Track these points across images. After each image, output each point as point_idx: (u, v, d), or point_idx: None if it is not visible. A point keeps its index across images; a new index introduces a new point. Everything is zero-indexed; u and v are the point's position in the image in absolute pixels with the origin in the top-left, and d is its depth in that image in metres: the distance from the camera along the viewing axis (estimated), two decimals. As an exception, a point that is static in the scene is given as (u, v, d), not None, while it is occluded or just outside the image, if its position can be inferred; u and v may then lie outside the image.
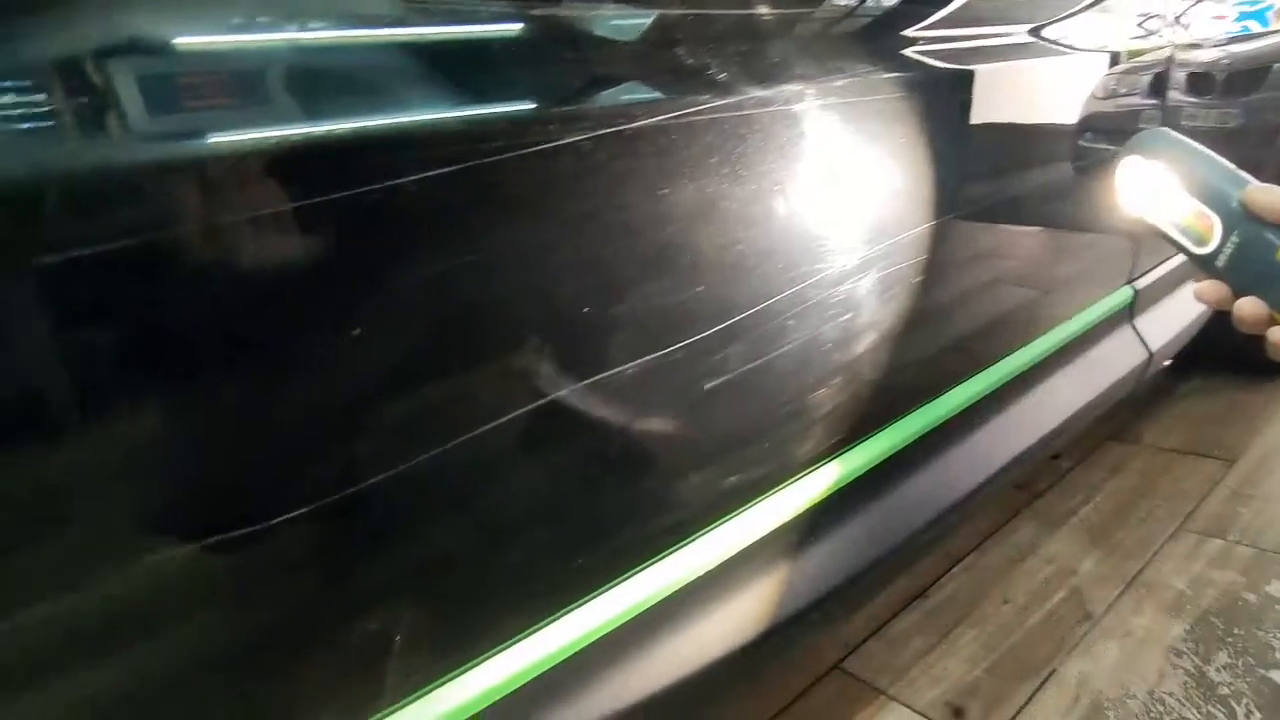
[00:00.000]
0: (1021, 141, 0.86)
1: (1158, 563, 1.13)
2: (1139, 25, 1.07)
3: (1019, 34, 0.84)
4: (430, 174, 0.41)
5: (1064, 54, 0.90)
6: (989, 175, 0.81)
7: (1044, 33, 0.87)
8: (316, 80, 0.39)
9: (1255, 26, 1.32)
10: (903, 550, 0.76)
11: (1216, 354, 1.48)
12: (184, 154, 0.35)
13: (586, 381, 0.50)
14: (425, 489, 0.44)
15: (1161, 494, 1.31)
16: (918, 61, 0.70)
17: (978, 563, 1.18)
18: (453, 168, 0.41)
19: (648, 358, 0.53)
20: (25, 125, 0.31)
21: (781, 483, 0.64)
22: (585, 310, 0.49)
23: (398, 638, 0.44)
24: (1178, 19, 1.14)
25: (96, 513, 0.35)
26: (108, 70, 0.33)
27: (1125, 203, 0.46)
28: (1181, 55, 1.12)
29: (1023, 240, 0.91)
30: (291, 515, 0.39)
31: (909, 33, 0.70)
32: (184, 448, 0.37)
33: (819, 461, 0.67)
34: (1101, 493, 1.33)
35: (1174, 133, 0.45)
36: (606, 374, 0.51)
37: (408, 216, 0.41)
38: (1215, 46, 1.25)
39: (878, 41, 0.68)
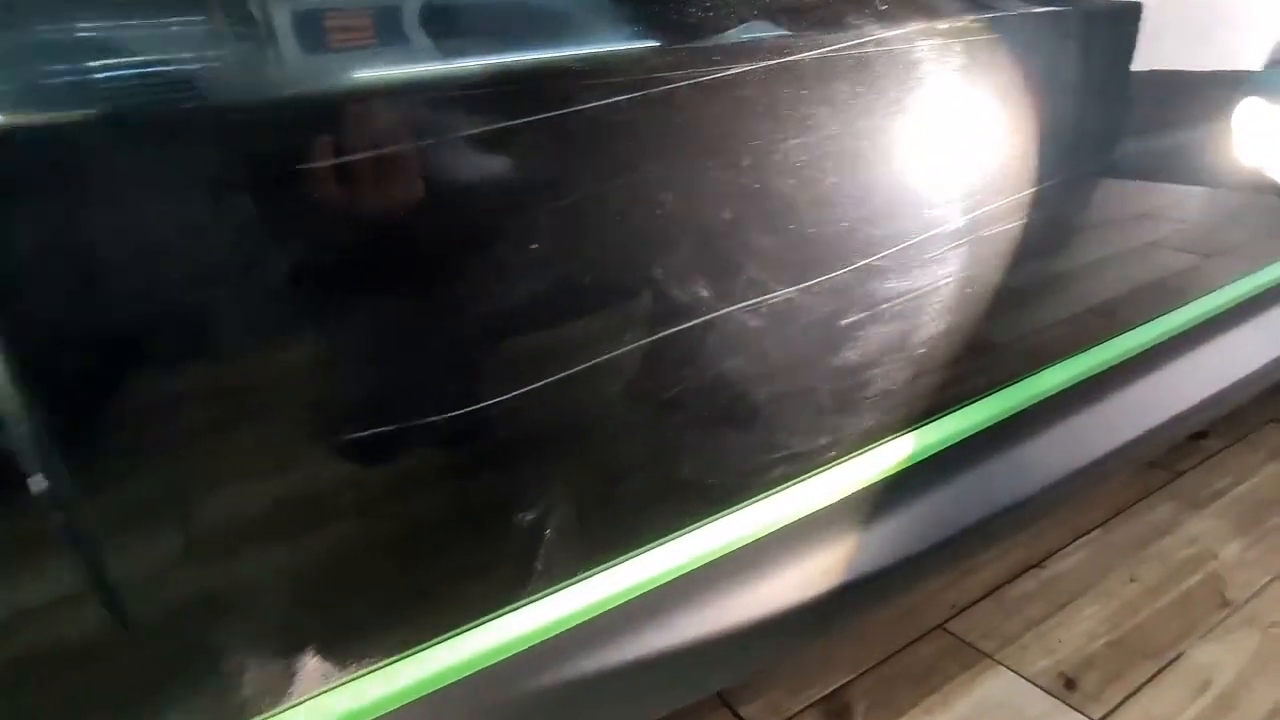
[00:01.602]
0: (1199, 83, 0.78)
1: (1317, 555, 1.04)
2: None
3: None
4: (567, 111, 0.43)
5: None
6: (1150, 125, 0.74)
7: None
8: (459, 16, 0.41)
9: None
10: (1020, 510, 0.74)
11: None
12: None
13: (689, 322, 0.51)
14: (524, 420, 0.47)
15: (1328, 482, 1.18)
16: None
17: (1104, 538, 1.12)
18: (587, 105, 0.43)
19: (759, 298, 0.53)
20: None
21: (895, 433, 0.64)
22: (700, 250, 0.51)
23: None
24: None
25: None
26: None
27: (1244, 152, 0.42)
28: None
29: (1186, 200, 0.83)
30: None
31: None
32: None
33: (939, 414, 0.67)
34: (1257, 476, 1.22)
35: None
36: (718, 313, 0.52)
37: (561, 146, 0.44)
38: None
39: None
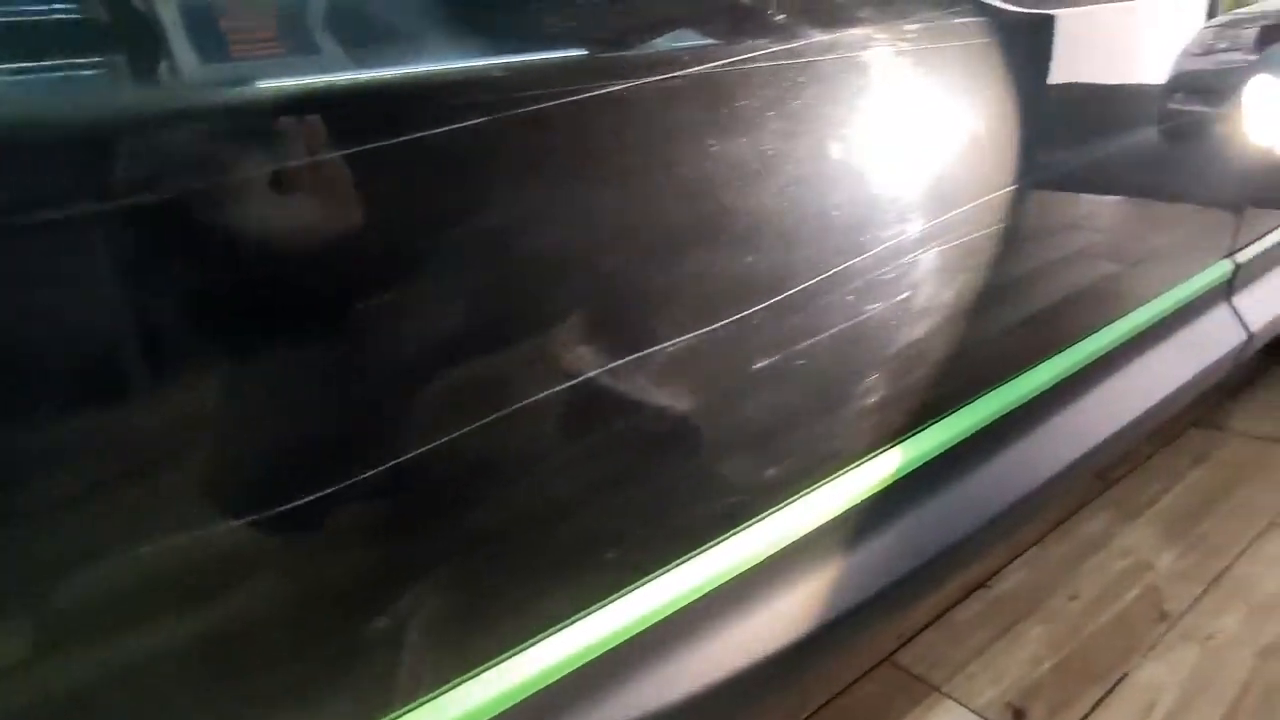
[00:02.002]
0: (1107, 99, 0.77)
1: (1245, 562, 1.05)
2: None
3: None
4: (455, 127, 0.37)
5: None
6: (1069, 137, 0.73)
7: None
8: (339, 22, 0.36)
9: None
10: (971, 542, 0.71)
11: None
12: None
13: (621, 361, 0.46)
14: (454, 470, 0.42)
15: (1252, 486, 1.21)
16: (991, 5, 0.63)
17: (1044, 554, 1.11)
18: (477, 120, 0.38)
19: (687, 336, 0.49)
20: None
21: (839, 470, 0.60)
22: (619, 282, 0.46)
23: (421, 628, 0.43)
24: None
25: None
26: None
27: (1254, 129, 0.39)
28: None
29: (1107, 211, 0.83)
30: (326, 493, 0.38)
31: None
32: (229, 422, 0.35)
33: (881, 447, 0.63)
34: (1184, 482, 1.24)
35: None
36: (644, 352, 0.47)
37: (429, 174, 0.38)
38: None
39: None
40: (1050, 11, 0.69)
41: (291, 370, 0.37)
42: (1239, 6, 0.96)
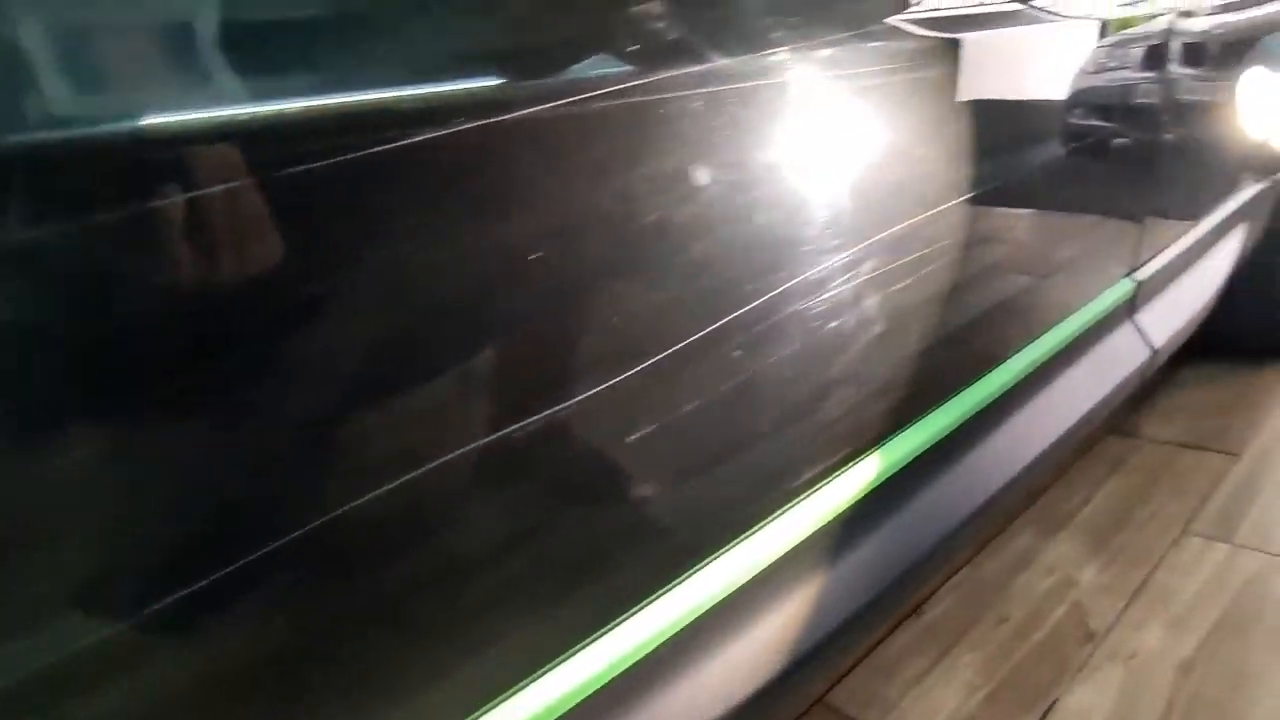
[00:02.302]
0: (1015, 120, 0.77)
1: (1163, 571, 1.06)
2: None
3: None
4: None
5: (1053, 21, 0.81)
6: (983, 160, 0.73)
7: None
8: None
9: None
10: (898, 587, 0.69)
11: (1214, 339, 1.40)
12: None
13: (519, 416, 0.42)
14: (358, 531, 0.37)
15: (1164, 493, 1.24)
16: (902, 30, 0.62)
17: (974, 575, 1.11)
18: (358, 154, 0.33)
19: (584, 394, 0.44)
20: None
21: (758, 524, 0.56)
22: (525, 322, 0.41)
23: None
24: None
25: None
26: None
27: (1248, 123, 0.37)
28: (1179, 25, 1.04)
29: (1011, 231, 0.82)
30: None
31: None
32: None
33: (805, 493, 0.60)
34: (1102, 491, 1.27)
35: None
36: (554, 408, 0.43)
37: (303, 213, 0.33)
38: (1209, 15, 1.17)
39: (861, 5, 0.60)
40: (959, 36, 0.68)
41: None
42: (1124, 29, 0.99)
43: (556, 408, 0.43)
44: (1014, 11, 0.78)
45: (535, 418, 0.43)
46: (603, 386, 0.45)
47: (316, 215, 0.35)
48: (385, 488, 0.38)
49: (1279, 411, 1.42)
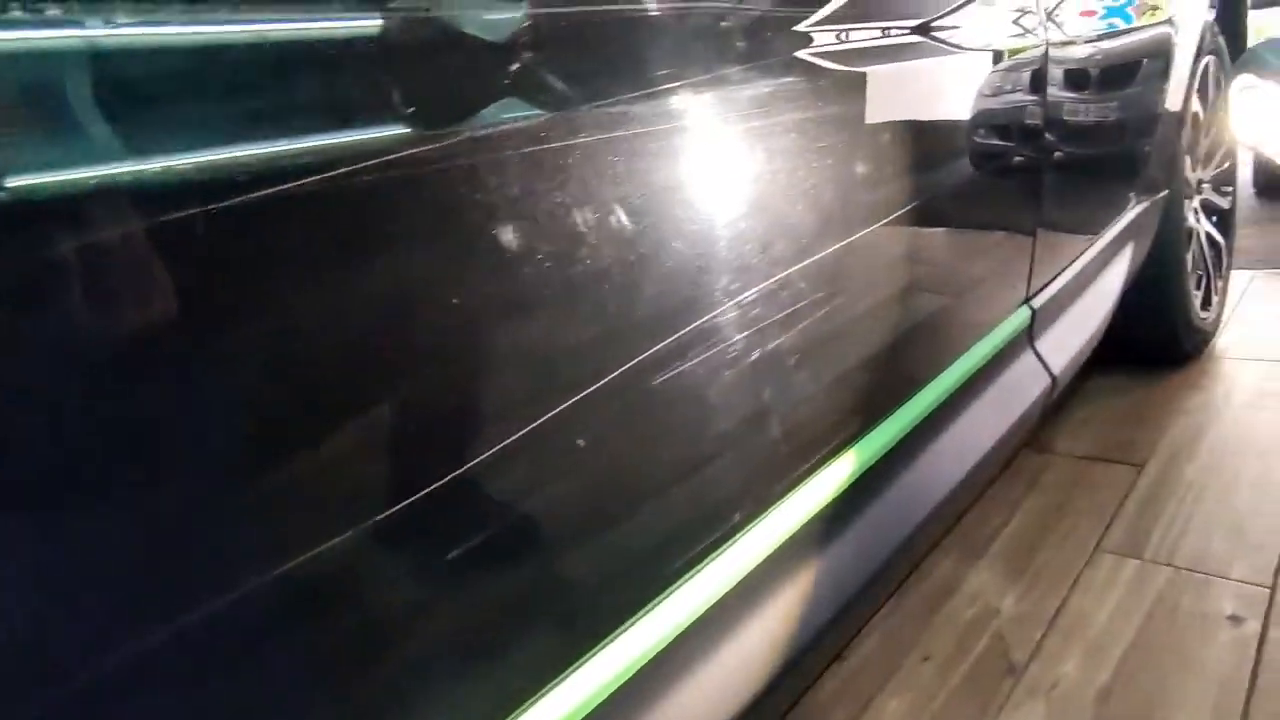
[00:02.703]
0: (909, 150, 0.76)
1: (1078, 594, 1.07)
2: (1015, 23, 1.00)
3: (906, 33, 0.75)
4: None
5: (951, 53, 0.81)
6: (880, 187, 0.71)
7: (931, 32, 0.79)
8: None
9: (1120, 23, 1.28)
10: (817, 640, 0.66)
11: (1113, 349, 1.45)
12: None
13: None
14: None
15: (1077, 509, 1.26)
16: (814, 64, 0.60)
17: (898, 608, 1.09)
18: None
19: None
20: None
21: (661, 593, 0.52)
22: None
23: None
24: (1049, 16, 1.08)
25: None
26: None
27: (1243, 129, 0.34)
28: (1056, 52, 1.07)
29: (908, 260, 0.81)
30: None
31: (802, 29, 0.60)
32: None
33: (723, 542, 0.56)
34: (1021, 511, 1.27)
35: None
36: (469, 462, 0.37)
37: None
38: (1087, 43, 1.21)
39: (770, 41, 0.58)
40: (867, 69, 0.67)
41: None
42: (1016, 54, 1.01)
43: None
44: (915, 44, 0.78)
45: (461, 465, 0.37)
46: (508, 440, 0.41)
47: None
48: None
49: (1180, 421, 1.46)
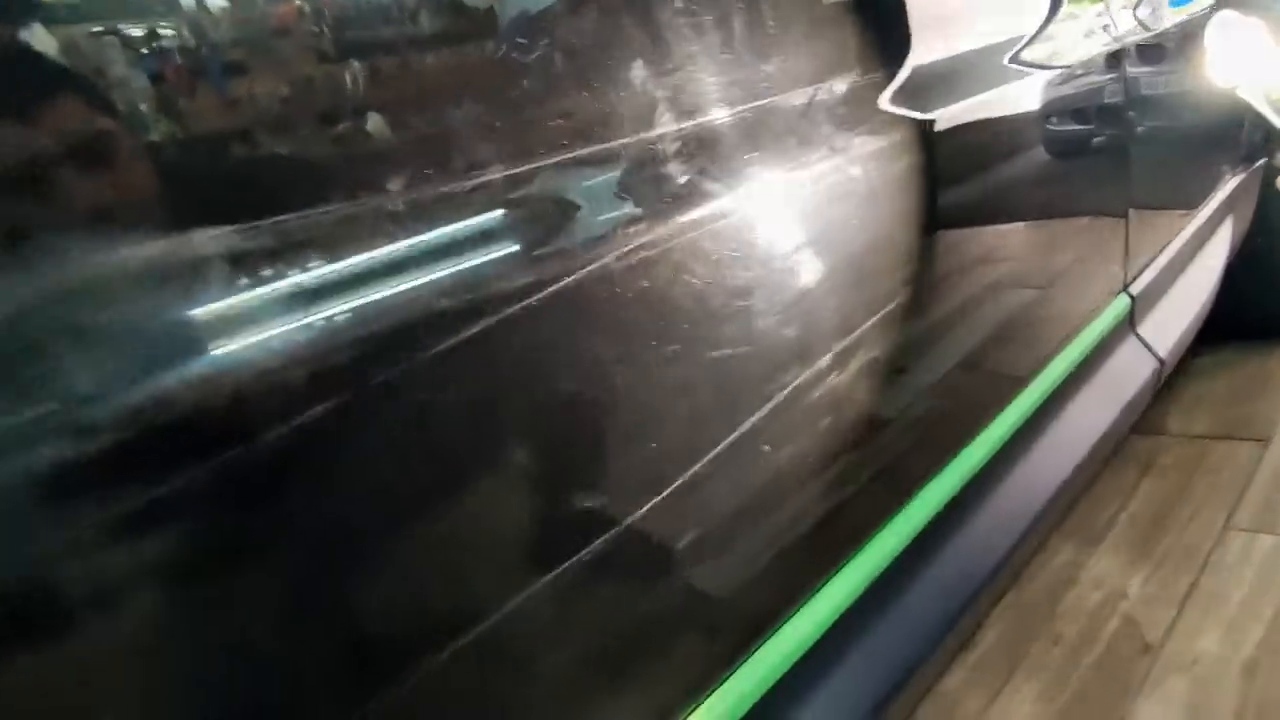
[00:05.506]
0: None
1: (1210, 573, 1.06)
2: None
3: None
4: None
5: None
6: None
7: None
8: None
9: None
10: (946, 633, 0.70)
11: (1220, 325, 1.41)
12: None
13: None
14: None
15: (1200, 489, 1.24)
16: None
17: (1020, 599, 1.11)
18: None
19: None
20: None
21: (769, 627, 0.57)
22: None
23: None
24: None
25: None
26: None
27: (1217, 69, 0.37)
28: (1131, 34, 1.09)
29: (1004, 249, 0.85)
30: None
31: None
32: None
33: (843, 560, 0.62)
34: (1137, 496, 1.27)
35: None
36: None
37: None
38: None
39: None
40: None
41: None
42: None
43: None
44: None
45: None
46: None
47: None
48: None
49: (1301, 391, 1.42)
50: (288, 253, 0.33)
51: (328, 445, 0.35)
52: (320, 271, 0.34)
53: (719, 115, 0.52)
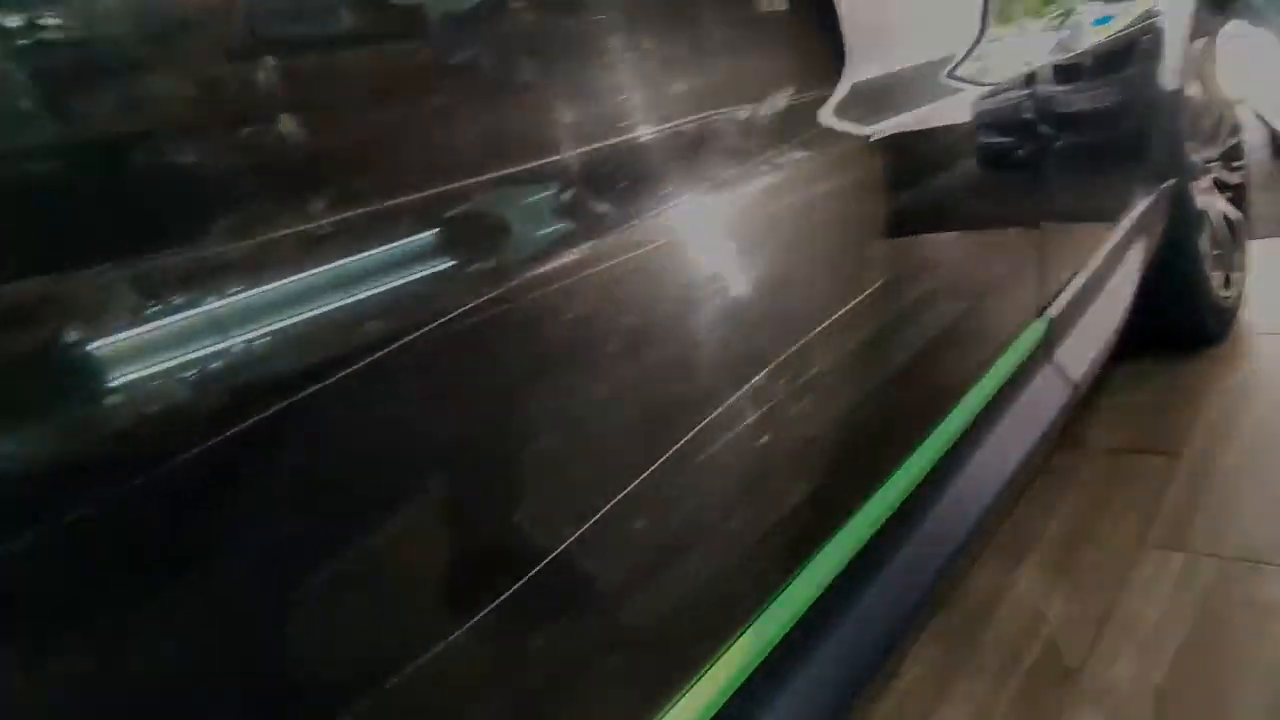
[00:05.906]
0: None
1: (1126, 592, 1.07)
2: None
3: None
4: None
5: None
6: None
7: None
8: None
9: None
10: (877, 669, 0.68)
11: (1137, 336, 1.44)
12: None
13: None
14: None
15: (1118, 504, 1.26)
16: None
17: (946, 624, 1.10)
18: None
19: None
20: None
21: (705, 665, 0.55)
22: None
23: None
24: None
25: None
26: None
27: (1226, 81, 0.36)
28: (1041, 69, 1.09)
29: (928, 268, 0.84)
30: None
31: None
32: None
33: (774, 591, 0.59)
34: (1058, 512, 1.28)
35: None
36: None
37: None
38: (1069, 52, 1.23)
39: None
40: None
41: None
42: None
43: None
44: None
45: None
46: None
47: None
48: None
49: (1212, 404, 1.46)
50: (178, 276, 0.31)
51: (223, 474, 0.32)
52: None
53: (646, 132, 0.51)
